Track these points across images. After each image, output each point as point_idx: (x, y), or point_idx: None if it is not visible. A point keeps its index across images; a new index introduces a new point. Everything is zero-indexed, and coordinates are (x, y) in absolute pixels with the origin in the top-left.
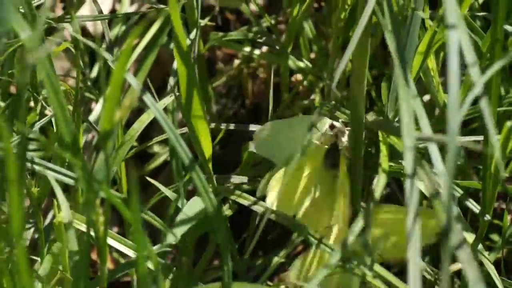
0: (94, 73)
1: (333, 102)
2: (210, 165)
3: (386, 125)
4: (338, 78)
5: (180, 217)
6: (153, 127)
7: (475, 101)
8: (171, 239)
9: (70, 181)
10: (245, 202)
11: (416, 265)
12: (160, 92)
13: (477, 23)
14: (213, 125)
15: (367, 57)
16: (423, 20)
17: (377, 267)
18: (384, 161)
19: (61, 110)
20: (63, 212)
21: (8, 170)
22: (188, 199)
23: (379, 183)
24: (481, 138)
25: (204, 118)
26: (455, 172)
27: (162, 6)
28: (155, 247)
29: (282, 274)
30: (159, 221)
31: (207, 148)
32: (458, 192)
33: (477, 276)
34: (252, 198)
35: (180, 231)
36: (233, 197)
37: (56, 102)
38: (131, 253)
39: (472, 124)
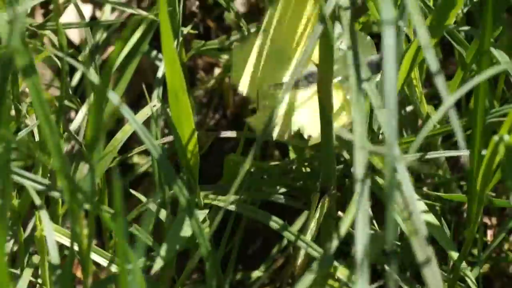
0: (75, 80)
1: None
2: (196, 176)
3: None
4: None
5: (168, 237)
6: (133, 136)
7: (459, 113)
8: (160, 263)
9: (52, 192)
10: (222, 204)
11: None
12: (140, 100)
13: (461, 34)
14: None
15: (332, 57)
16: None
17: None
18: None
19: (46, 119)
20: (45, 225)
21: None
22: (170, 209)
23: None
24: (466, 152)
25: (192, 127)
26: (438, 186)
27: (144, 13)
28: (138, 261)
29: None
30: (145, 235)
31: (194, 157)
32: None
33: None
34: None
35: (169, 252)
36: (215, 202)
37: (41, 111)
38: (112, 266)
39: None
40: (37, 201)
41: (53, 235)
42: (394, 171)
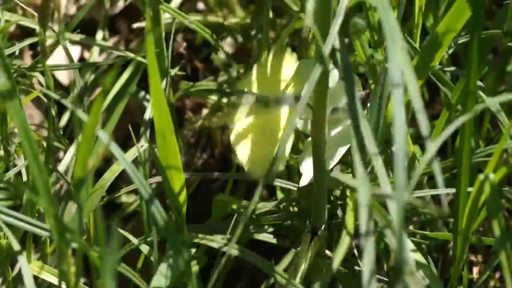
0: (63, 121)
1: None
2: (184, 216)
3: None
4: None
5: (155, 275)
6: (121, 176)
7: (444, 152)
8: None
9: (40, 232)
10: (215, 245)
11: None
12: (128, 141)
13: (446, 74)
14: (185, 174)
15: (326, 101)
16: None
17: None
18: (350, 219)
19: (35, 160)
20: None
21: None
22: (158, 248)
23: (342, 244)
24: (452, 190)
25: (180, 168)
26: (424, 224)
27: (131, 55)
28: None
29: None
30: (134, 274)
31: (182, 198)
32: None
33: None
34: (223, 241)
35: None
36: (203, 242)
37: (30, 151)
38: None
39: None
40: (13, 241)
41: (30, 274)
42: (401, 216)
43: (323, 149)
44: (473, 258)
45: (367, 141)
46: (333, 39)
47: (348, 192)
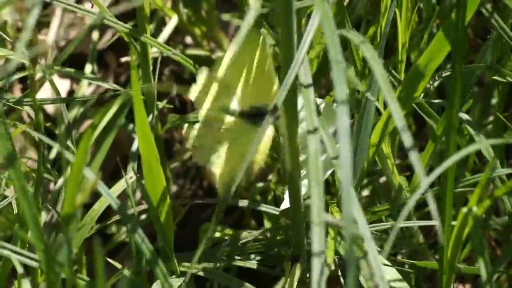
0: (53, 152)
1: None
2: (171, 245)
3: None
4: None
5: None
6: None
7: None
8: None
9: (31, 263)
10: (203, 274)
11: None
12: (117, 172)
13: (433, 107)
14: (173, 201)
15: (297, 128)
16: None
17: None
18: (330, 247)
19: (23, 193)
20: None
21: None
22: (148, 278)
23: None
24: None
25: (167, 198)
26: (413, 254)
27: (120, 88)
28: None
29: None
30: None
31: (169, 229)
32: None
33: None
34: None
35: None
36: (191, 270)
37: (18, 184)
38: None
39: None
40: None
41: None
42: (352, 245)
43: (298, 177)
44: (461, 287)
45: (342, 174)
46: (296, 69)
47: None
